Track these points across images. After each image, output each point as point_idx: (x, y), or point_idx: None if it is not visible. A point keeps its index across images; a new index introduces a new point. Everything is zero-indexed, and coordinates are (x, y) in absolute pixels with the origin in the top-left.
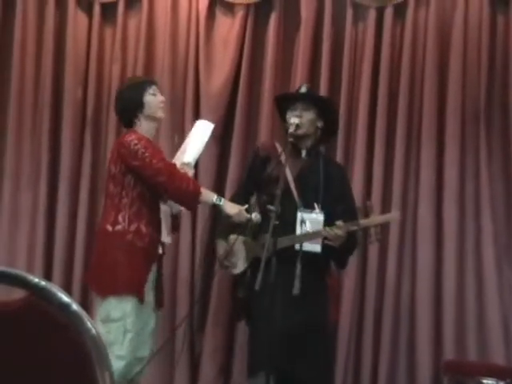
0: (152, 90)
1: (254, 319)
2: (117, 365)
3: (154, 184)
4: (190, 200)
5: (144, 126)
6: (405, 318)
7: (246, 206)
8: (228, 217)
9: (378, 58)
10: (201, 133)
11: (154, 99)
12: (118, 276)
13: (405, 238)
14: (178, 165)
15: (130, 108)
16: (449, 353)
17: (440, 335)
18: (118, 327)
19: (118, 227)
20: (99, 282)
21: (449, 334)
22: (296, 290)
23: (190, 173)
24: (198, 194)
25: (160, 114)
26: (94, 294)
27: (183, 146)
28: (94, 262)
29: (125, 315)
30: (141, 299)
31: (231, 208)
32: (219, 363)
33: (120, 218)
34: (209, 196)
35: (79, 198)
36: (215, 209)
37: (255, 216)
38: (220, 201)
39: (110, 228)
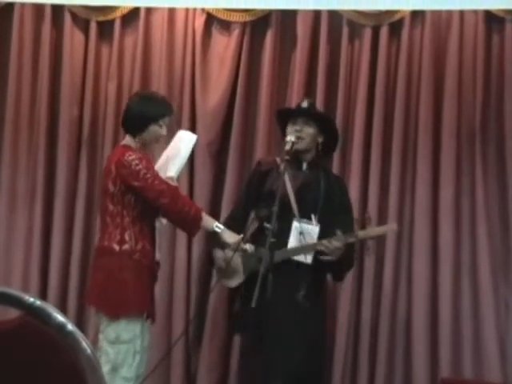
0: (162, 121)
1: (251, 333)
2: None
3: (156, 206)
4: (191, 225)
5: (138, 146)
6: (401, 332)
7: (242, 235)
8: (226, 244)
9: (374, 76)
10: (184, 145)
11: (156, 131)
12: (129, 297)
13: (401, 254)
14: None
15: (135, 121)
16: (445, 369)
17: (436, 351)
18: (128, 349)
19: (126, 246)
20: (109, 303)
21: (445, 350)
22: (304, 303)
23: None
24: (199, 219)
25: (152, 147)
26: (96, 313)
27: (164, 156)
28: (102, 283)
29: (135, 337)
30: (153, 319)
31: (230, 237)
32: (215, 381)
33: (126, 237)
34: (209, 222)
35: (75, 215)
36: (213, 235)
37: (250, 247)
38: (220, 228)
39: (116, 247)
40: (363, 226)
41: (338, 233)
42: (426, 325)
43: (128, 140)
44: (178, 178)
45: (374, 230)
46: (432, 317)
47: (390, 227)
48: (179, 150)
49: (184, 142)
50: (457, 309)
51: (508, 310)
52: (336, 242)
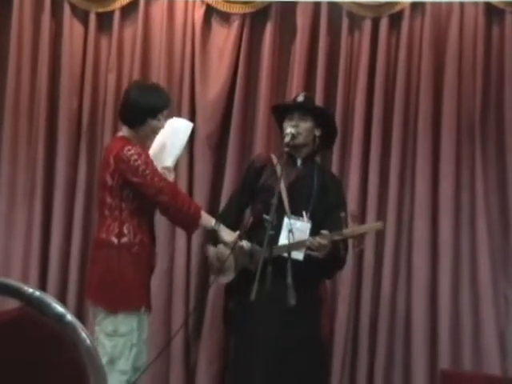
0: (162, 115)
1: (244, 331)
2: (120, 379)
3: (155, 203)
4: (189, 223)
5: (136, 137)
6: (400, 326)
7: (238, 232)
8: (224, 243)
9: (374, 68)
10: (180, 133)
11: (155, 124)
12: (128, 291)
13: (400, 250)
14: (159, 168)
15: (134, 114)
16: (444, 363)
17: (435, 346)
18: (125, 342)
19: (124, 239)
20: (108, 297)
21: (444, 345)
22: (291, 301)
23: (171, 177)
24: (198, 217)
25: (150, 139)
26: (94, 306)
27: (158, 144)
28: (100, 276)
29: (132, 330)
30: (149, 311)
31: (228, 235)
32: (214, 374)
33: (125, 230)
34: (208, 220)
35: (74, 208)
36: (211, 233)
37: (246, 244)
38: (218, 226)
39: (115, 240)
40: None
41: (324, 232)
42: (425, 318)
43: (126, 131)
44: (175, 168)
45: (359, 228)
46: (431, 310)
47: (376, 225)
48: (175, 139)
49: (180, 130)
50: (456, 303)
51: (507, 303)
52: (321, 240)
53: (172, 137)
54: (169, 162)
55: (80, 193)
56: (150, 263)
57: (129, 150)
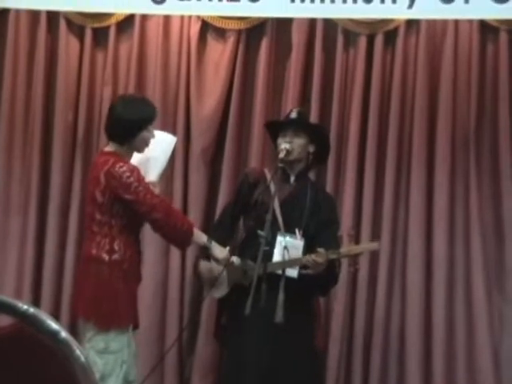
0: (151, 125)
1: (237, 346)
2: None
3: (148, 220)
4: (182, 240)
5: (126, 152)
6: (394, 344)
7: (228, 247)
8: (215, 259)
9: (369, 85)
10: (164, 147)
11: (146, 136)
12: (120, 309)
13: (395, 264)
14: None
15: (124, 129)
16: (438, 378)
17: (430, 361)
18: (116, 359)
19: (116, 256)
20: (100, 314)
21: (438, 360)
22: (279, 318)
23: (156, 191)
24: (190, 234)
25: (142, 151)
26: (85, 322)
27: (141, 157)
28: (91, 293)
29: (123, 347)
30: (137, 326)
31: (220, 252)
32: None
33: (116, 247)
34: (200, 237)
35: (69, 221)
36: (203, 249)
37: (236, 260)
38: (210, 243)
39: (106, 257)
40: (348, 243)
41: (320, 250)
42: (419, 336)
43: (114, 146)
44: (159, 182)
45: (356, 248)
46: (426, 326)
47: (373, 245)
48: (159, 153)
49: (163, 144)
50: (450, 318)
51: (502, 318)
52: (317, 258)
53: (156, 151)
54: (153, 176)
55: (74, 205)
56: (138, 278)
57: (121, 167)
